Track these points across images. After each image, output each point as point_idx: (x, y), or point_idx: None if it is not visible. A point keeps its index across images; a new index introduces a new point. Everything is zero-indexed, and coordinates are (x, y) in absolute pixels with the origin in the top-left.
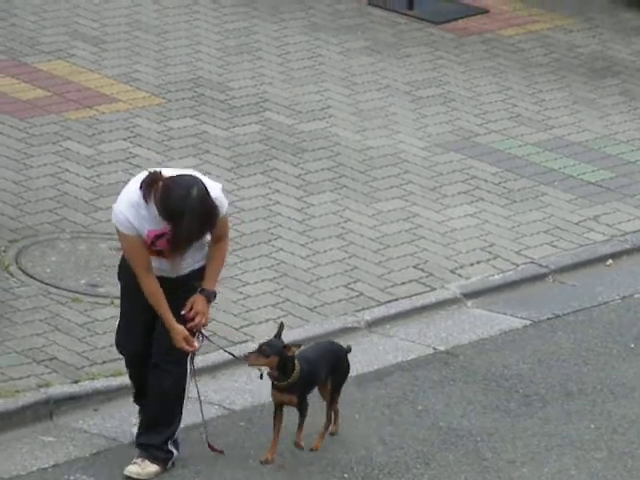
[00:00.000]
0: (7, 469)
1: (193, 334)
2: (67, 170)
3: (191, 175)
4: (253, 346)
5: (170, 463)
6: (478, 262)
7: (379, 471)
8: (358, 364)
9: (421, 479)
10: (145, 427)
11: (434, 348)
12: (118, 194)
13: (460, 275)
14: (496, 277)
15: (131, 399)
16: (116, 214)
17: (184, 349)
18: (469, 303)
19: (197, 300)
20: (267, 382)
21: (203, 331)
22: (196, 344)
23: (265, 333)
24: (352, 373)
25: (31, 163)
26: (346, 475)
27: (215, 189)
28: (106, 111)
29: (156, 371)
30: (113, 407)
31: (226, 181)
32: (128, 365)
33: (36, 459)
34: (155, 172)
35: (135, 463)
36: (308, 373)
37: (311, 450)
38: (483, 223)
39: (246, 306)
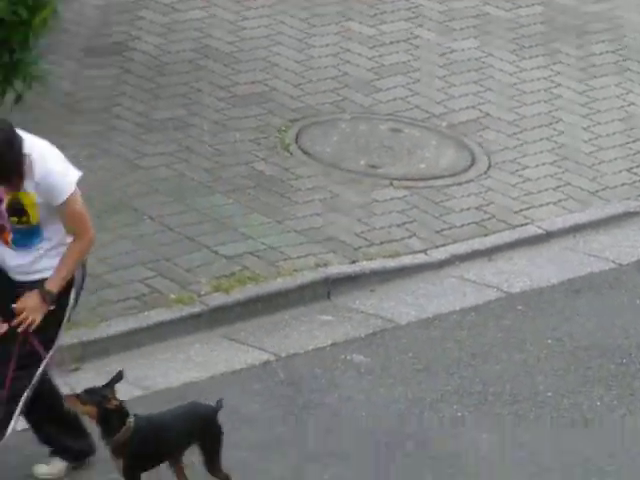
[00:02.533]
0: (285, 347)
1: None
2: (349, 50)
3: (2, 121)
4: (533, 229)
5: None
6: None
7: None
8: None
9: None
10: None
11: None
12: (399, 74)
13: None
14: None
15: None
16: None
17: None
18: None
19: (30, 296)
20: (552, 265)
21: (33, 339)
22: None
23: (545, 216)
24: (632, 258)
25: (313, 43)
26: (624, 360)
27: (58, 165)
28: None
29: None
30: (390, 288)
31: (508, 63)
32: None
33: (313, 338)
34: None
35: None
36: (145, 440)
37: None
38: None
39: (525, 189)
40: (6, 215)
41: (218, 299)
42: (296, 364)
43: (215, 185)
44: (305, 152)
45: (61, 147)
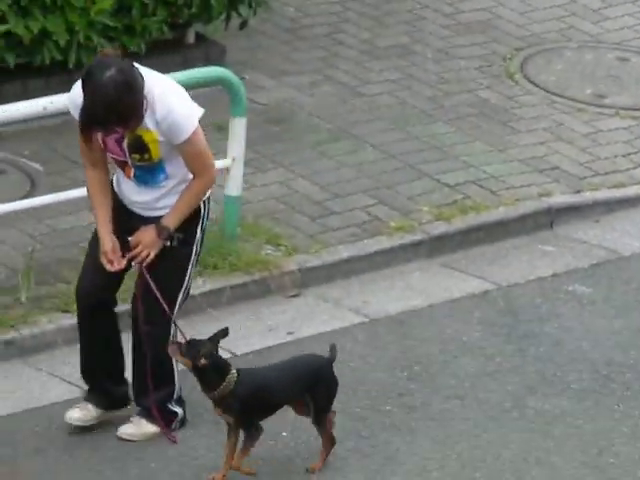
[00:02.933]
0: (506, 277)
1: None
2: None
3: (123, 61)
4: None
5: (176, 424)
6: None
7: None
8: None
9: None
10: (137, 389)
11: None
12: (628, 3)
13: None
14: None
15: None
16: (71, 91)
17: (104, 265)
18: None
19: (145, 230)
20: None
21: (146, 274)
22: (117, 265)
23: None
24: None
25: None
26: None
27: (180, 103)
28: None
29: (136, 332)
30: (614, 219)
31: None
32: (78, 315)
33: (535, 268)
34: (102, 52)
35: (130, 422)
36: (249, 391)
37: (307, 471)
38: None
39: None
40: (127, 152)
41: (439, 227)
42: (516, 293)
43: (437, 113)
44: (530, 80)
45: (284, 73)
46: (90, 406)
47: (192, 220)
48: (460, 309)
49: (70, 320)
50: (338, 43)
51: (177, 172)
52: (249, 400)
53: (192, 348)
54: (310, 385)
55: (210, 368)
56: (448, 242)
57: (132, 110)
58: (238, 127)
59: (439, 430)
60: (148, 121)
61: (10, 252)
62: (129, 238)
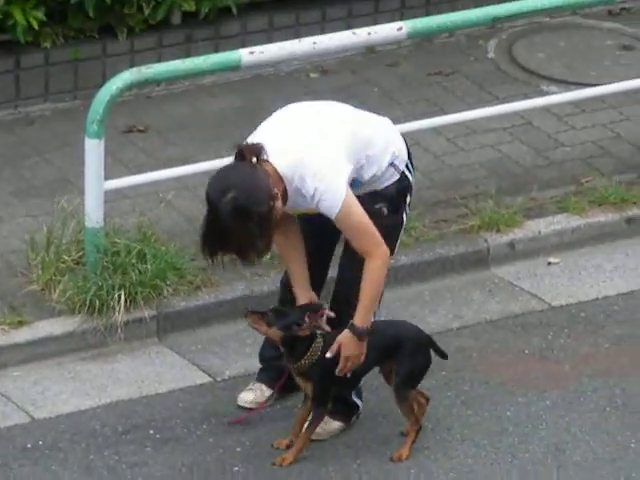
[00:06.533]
0: None
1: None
2: None
3: (241, 171)
4: None
5: (355, 417)
6: None
7: None
8: None
9: None
10: None
11: None
12: None
13: None
14: None
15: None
16: None
17: None
18: None
19: (344, 341)
20: None
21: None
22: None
23: None
24: None
25: None
26: None
27: (319, 180)
28: None
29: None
30: None
31: None
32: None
33: None
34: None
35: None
36: (331, 359)
37: (392, 460)
38: None
39: None
40: None
41: None
42: None
43: None
44: None
45: None
46: (264, 386)
47: (397, 194)
48: None
49: None
50: None
51: (368, 170)
52: (331, 366)
53: (281, 317)
54: (390, 353)
55: (304, 337)
56: None
57: (247, 239)
58: None
59: None
60: (304, 202)
61: None
62: (327, 354)
